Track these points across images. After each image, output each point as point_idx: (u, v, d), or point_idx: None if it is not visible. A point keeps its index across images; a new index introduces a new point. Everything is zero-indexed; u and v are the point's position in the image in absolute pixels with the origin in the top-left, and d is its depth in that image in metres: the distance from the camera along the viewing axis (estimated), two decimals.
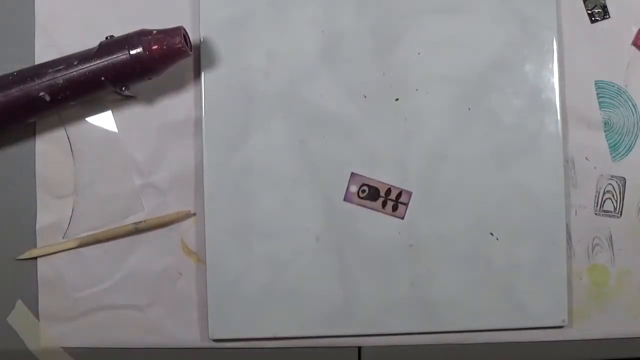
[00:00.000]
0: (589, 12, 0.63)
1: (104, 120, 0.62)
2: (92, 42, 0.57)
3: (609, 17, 0.63)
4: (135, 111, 0.62)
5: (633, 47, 0.63)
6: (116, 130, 0.62)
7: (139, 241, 0.62)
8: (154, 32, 0.56)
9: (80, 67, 0.56)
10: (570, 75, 0.63)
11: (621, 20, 0.63)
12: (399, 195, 0.61)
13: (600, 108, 0.63)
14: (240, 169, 0.61)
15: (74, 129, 0.62)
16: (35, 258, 0.62)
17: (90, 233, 0.61)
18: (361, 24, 0.61)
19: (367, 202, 0.61)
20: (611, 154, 0.63)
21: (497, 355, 0.63)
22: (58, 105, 0.57)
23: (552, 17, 0.62)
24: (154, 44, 0.56)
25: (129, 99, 0.61)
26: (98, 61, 0.56)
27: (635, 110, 0.63)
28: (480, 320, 0.61)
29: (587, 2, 0.63)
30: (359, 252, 0.61)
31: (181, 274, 0.62)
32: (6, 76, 0.57)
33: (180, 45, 0.56)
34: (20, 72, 0.57)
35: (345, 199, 0.61)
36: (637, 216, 0.63)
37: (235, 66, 0.61)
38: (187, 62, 0.60)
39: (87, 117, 0.62)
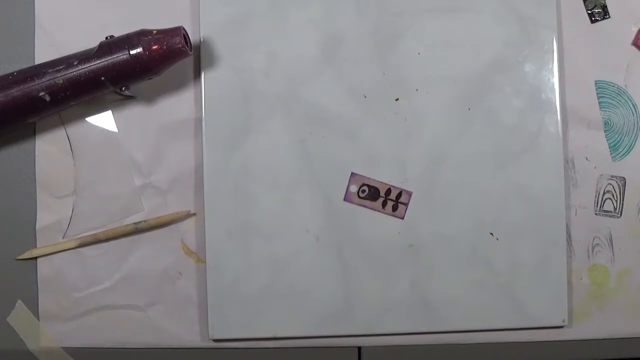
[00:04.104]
0: (589, 12, 0.63)
1: (104, 120, 0.62)
2: (92, 42, 0.57)
3: (609, 17, 0.63)
4: (135, 111, 0.62)
5: (633, 47, 0.63)
6: (116, 130, 0.62)
7: (139, 241, 0.62)
8: (154, 32, 0.56)
9: (80, 67, 0.56)
10: (570, 75, 0.63)
11: (621, 20, 0.63)
12: (399, 195, 0.61)
13: (600, 108, 0.63)
14: (240, 169, 0.61)
15: (74, 129, 0.62)
16: (35, 258, 0.62)
17: (90, 233, 0.62)
18: (361, 24, 0.61)
19: (367, 202, 0.61)
20: (611, 154, 0.63)
21: (497, 355, 0.63)
22: (58, 105, 0.57)
23: (552, 17, 0.62)
24: (154, 44, 0.56)
25: (129, 99, 0.61)
26: (98, 61, 0.56)
27: (635, 110, 0.63)
28: (480, 320, 0.61)
29: (587, 2, 0.63)
30: (359, 252, 0.61)
31: (181, 274, 0.62)
32: (6, 76, 0.57)
33: (180, 45, 0.56)
34: (20, 72, 0.57)
35: (345, 199, 0.61)
36: (637, 216, 0.63)
37: (235, 66, 0.61)
38: (187, 62, 0.60)
39: (87, 117, 0.62)
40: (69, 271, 0.61)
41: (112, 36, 0.57)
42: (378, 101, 0.61)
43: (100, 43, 0.57)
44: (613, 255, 0.63)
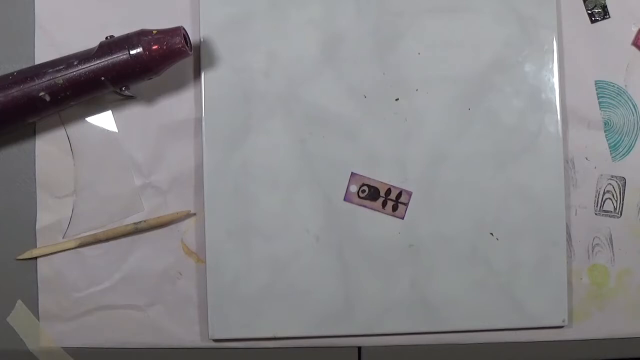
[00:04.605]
0: (589, 12, 0.63)
1: (104, 120, 0.62)
2: (92, 42, 0.57)
3: (609, 17, 0.63)
4: (135, 111, 0.62)
5: (633, 47, 0.63)
6: (116, 130, 0.62)
7: (139, 241, 0.62)
8: (154, 32, 0.56)
9: (80, 67, 0.56)
10: (570, 75, 0.63)
11: (621, 20, 0.63)
12: (399, 195, 0.61)
13: (600, 108, 0.63)
14: (240, 169, 0.61)
15: (74, 129, 0.62)
16: (35, 258, 0.62)
17: (90, 233, 0.62)
18: (361, 24, 0.61)
19: (367, 202, 0.61)
20: (611, 154, 0.63)
21: (497, 355, 0.63)
22: (58, 105, 0.57)
23: (552, 17, 0.62)
24: (154, 44, 0.56)
25: (129, 99, 0.61)
26: (98, 61, 0.56)
27: (635, 110, 0.63)
28: (480, 320, 0.61)
29: (587, 2, 0.63)
30: (359, 252, 0.61)
31: (181, 274, 0.62)
32: (6, 76, 0.57)
33: (180, 45, 0.56)
34: (20, 72, 0.57)
35: (345, 199, 0.61)
36: (637, 216, 0.63)
37: (235, 66, 0.61)
38: (187, 62, 0.60)
39: (87, 117, 0.62)
40: (69, 271, 0.61)
41: (112, 36, 0.57)
42: (378, 101, 0.61)
43: (100, 43, 0.57)
44: (613, 255, 0.63)
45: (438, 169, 0.61)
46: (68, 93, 0.56)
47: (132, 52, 0.56)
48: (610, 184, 0.63)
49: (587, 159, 0.63)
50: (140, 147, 0.62)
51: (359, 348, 0.63)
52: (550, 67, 0.62)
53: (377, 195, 0.61)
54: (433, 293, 0.61)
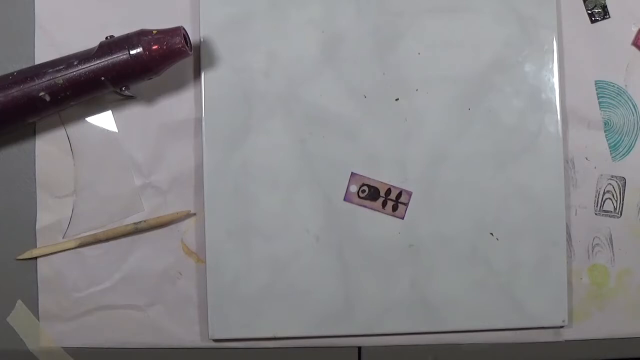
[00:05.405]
0: (589, 12, 0.63)
1: (104, 120, 0.62)
2: (92, 42, 0.57)
3: (609, 17, 0.63)
4: (135, 111, 0.62)
5: (633, 47, 0.63)
6: (116, 130, 0.62)
7: (139, 241, 0.62)
8: (154, 32, 0.56)
9: (80, 67, 0.56)
10: (570, 75, 0.63)
11: (621, 20, 0.63)
12: (399, 195, 0.61)
13: (600, 108, 0.63)
14: (240, 169, 0.61)
15: (74, 129, 0.62)
16: (35, 258, 0.62)
17: (90, 233, 0.62)
18: (361, 24, 0.61)
19: (367, 202, 0.61)
20: (611, 154, 0.63)
21: (497, 355, 0.63)
22: (58, 105, 0.57)
23: (552, 17, 0.62)
24: (154, 44, 0.56)
25: (129, 99, 0.61)
26: (98, 61, 0.56)
27: (635, 110, 0.63)
28: (480, 320, 0.61)
29: (587, 2, 0.63)
30: (359, 252, 0.61)
31: (181, 274, 0.62)
32: (6, 76, 0.57)
33: (180, 45, 0.56)
34: (20, 72, 0.57)
35: (345, 199, 0.61)
36: (637, 216, 0.63)
37: (235, 66, 0.61)
38: (187, 62, 0.60)
39: (87, 117, 0.62)
40: (69, 271, 0.61)
41: (112, 36, 0.57)
42: (378, 101, 0.61)
43: (100, 43, 0.57)
44: (613, 255, 0.63)
45: (438, 169, 0.61)
46: (68, 93, 0.56)
47: (132, 52, 0.56)
48: (610, 184, 0.63)
49: (587, 159, 0.63)
50: (140, 147, 0.62)
51: (359, 348, 0.63)
52: (550, 67, 0.62)
53: (377, 195, 0.61)
54: (433, 293, 0.61)
